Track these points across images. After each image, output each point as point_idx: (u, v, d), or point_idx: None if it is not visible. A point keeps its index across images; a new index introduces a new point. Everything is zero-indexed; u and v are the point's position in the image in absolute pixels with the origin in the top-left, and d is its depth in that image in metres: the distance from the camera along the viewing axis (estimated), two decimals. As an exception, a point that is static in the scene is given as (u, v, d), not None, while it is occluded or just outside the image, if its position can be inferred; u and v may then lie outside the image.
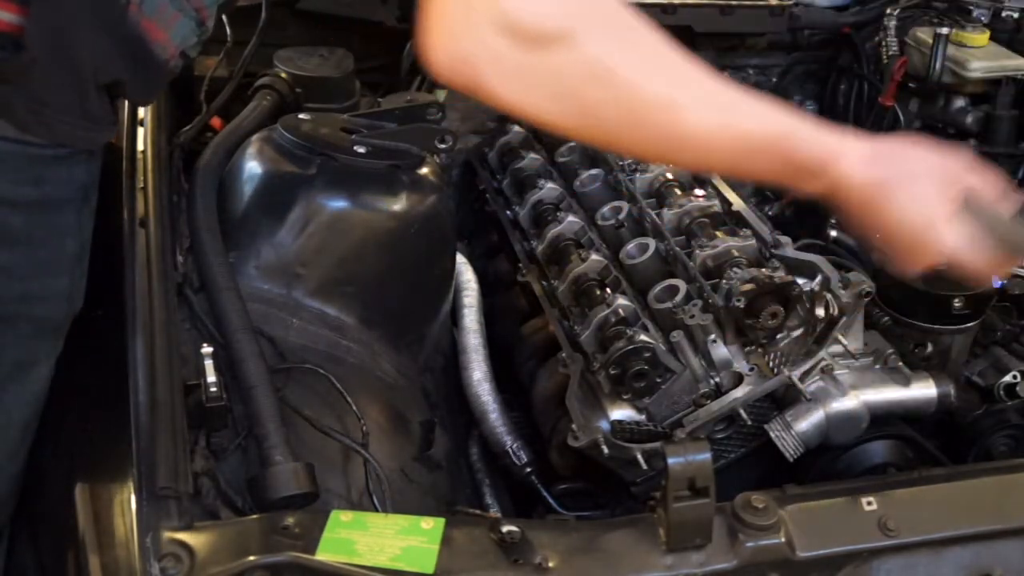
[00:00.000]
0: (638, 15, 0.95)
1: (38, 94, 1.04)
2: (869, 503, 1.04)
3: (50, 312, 1.15)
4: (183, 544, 0.90)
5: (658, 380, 1.29)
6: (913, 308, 1.51)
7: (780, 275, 1.31)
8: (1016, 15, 2.18)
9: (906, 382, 1.37)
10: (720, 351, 1.29)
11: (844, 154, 1.00)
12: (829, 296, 1.30)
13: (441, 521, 0.98)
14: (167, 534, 0.91)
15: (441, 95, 1.99)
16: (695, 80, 0.96)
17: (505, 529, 0.95)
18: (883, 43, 2.19)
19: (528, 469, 1.44)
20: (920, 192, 1.02)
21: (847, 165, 1.00)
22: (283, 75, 1.72)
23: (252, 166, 1.44)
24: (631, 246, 1.47)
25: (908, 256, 1.05)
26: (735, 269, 1.33)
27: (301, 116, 1.51)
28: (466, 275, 1.65)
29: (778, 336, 1.31)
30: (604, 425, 1.29)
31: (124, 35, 1.08)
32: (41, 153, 1.08)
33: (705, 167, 1.01)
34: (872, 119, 2.17)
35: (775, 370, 1.30)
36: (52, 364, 1.18)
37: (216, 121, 1.71)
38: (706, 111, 0.96)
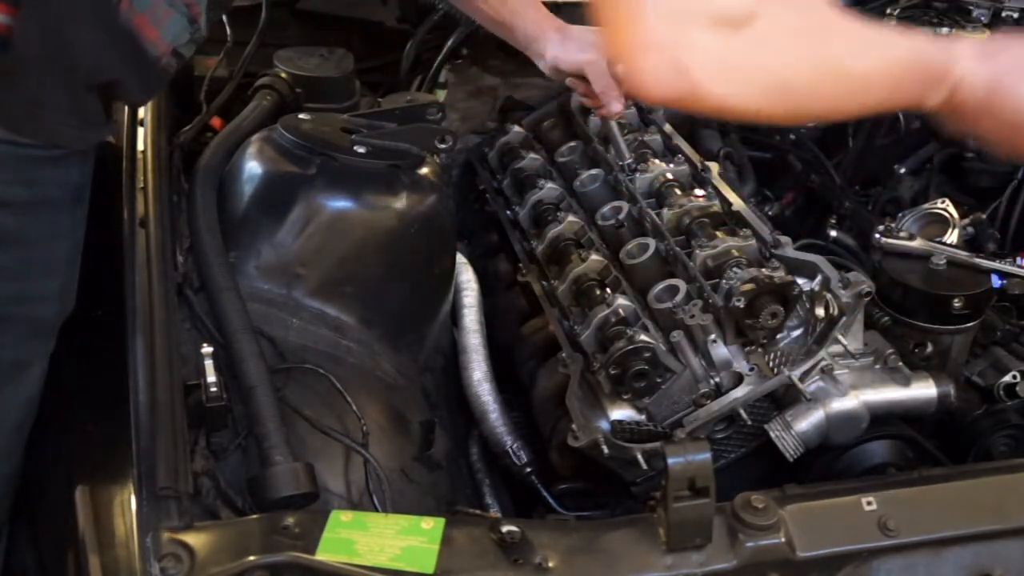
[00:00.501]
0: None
1: (31, 94, 1.04)
2: (869, 503, 1.04)
3: (45, 313, 1.15)
4: (183, 544, 0.90)
5: (658, 380, 1.29)
6: (913, 308, 1.51)
7: (780, 275, 1.31)
8: (1016, 15, 2.18)
9: (906, 382, 1.37)
10: (720, 351, 1.29)
11: (960, 54, 1.01)
12: (829, 296, 1.30)
13: (441, 521, 0.98)
14: (167, 534, 0.91)
15: (441, 95, 2.00)
16: (846, 23, 0.97)
17: (505, 529, 0.95)
18: (883, 43, 2.18)
19: (528, 469, 1.44)
20: None
21: (965, 64, 1.01)
22: (283, 75, 1.72)
23: (252, 166, 1.44)
24: (631, 246, 1.47)
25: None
26: (735, 269, 1.33)
27: (301, 116, 1.51)
28: (466, 275, 1.65)
29: (778, 336, 1.31)
30: (604, 425, 1.29)
31: (116, 33, 1.08)
32: (34, 154, 1.07)
33: (866, 107, 1.04)
34: (872, 119, 2.17)
35: (775, 370, 1.30)
36: (45, 364, 1.18)
37: (216, 121, 1.71)
38: (865, 52, 0.98)
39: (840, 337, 1.32)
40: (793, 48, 0.94)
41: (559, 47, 1.63)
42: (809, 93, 0.98)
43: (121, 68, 1.10)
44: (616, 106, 1.61)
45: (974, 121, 1.04)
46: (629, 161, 1.62)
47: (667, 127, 1.77)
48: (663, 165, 1.60)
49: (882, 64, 1.00)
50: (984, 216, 1.94)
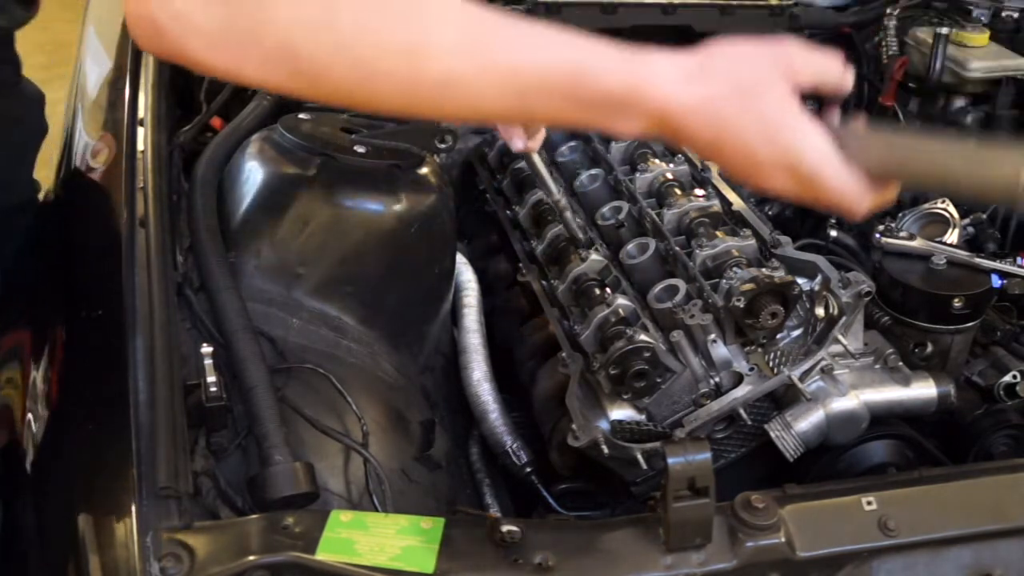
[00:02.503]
0: None
1: None
2: (869, 503, 1.04)
3: None
4: (183, 544, 0.90)
5: (658, 380, 1.29)
6: (913, 308, 1.51)
7: (780, 275, 1.31)
8: (1016, 15, 2.18)
9: (906, 382, 1.37)
10: (720, 351, 1.29)
11: (655, 75, 0.84)
12: (829, 296, 1.30)
13: (441, 521, 0.98)
14: (167, 534, 0.91)
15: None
16: (444, 18, 0.82)
17: (505, 529, 0.95)
18: (883, 43, 2.19)
19: (528, 469, 1.44)
20: (754, 103, 0.85)
21: (663, 88, 0.84)
22: (283, 75, 1.72)
23: (252, 166, 1.44)
24: (631, 246, 1.47)
25: (767, 176, 0.88)
26: (735, 269, 1.33)
27: (301, 116, 1.51)
28: (466, 275, 1.65)
29: (778, 336, 1.31)
30: (604, 425, 1.29)
31: None
32: None
33: (476, 117, 0.85)
34: (872, 119, 2.17)
35: (775, 370, 1.30)
36: None
37: (216, 121, 1.71)
38: (463, 52, 0.81)
39: (840, 337, 1.32)
40: (318, 31, 0.78)
41: None
42: (351, 87, 0.82)
43: None
44: (517, 143, 1.40)
45: (700, 149, 0.89)
46: (557, 198, 1.51)
47: (667, 127, 1.77)
48: (663, 165, 1.60)
49: (490, 75, 0.82)
50: (984, 216, 1.95)
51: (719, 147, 0.87)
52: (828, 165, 0.87)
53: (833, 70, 0.91)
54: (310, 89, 0.84)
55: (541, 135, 1.39)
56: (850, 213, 0.89)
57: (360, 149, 1.44)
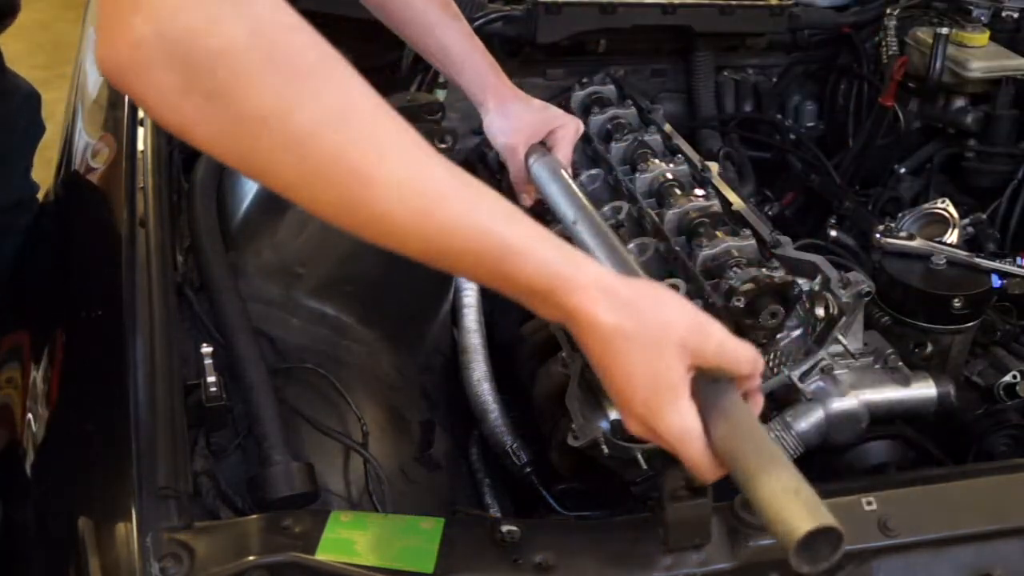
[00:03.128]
0: (344, 63, 0.81)
1: None
2: (869, 503, 1.04)
3: None
4: (183, 544, 0.90)
5: (658, 380, 1.28)
6: (913, 308, 1.51)
7: (780, 275, 1.31)
8: (1016, 15, 2.18)
9: (906, 382, 1.37)
10: (720, 351, 1.29)
11: (579, 287, 0.87)
12: (829, 296, 1.30)
13: (441, 521, 0.98)
14: (167, 534, 0.91)
15: (441, 95, 2.00)
16: (401, 157, 0.82)
17: (505, 529, 0.96)
18: (883, 43, 2.19)
19: (528, 469, 1.44)
20: (659, 356, 0.88)
21: (582, 300, 0.86)
22: (283, 75, 1.72)
23: (252, 166, 1.44)
24: (631, 246, 1.47)
25: (630, 417, 0.91)
26: (735, 269, 1.33)
27: (301, 116, 1.50)
28: (466, 275, 1.65)
29: (778, 336, 1.31)
30: (604, 425, 1.29)
31: None
32: None
33: (401, 252, 0.84)
34: (872, 119, 2.17)
35: (775, 370, 1.30)
36: None
37: (216, 121, 1.71)
38: (405, 196, 0.82)
39: (840, 337, 1.32)
40: (275, 131, 0.78)
41: (490, 121, 1.49)
42: (300, 190, 0.82)
43: None
44: (526, 200, 1.48)
45: (592, 361, 0.90)
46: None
47: (667, 127, 1.77)
48: (663, 165, 1.60)
49: (425, 226, 0.82)
50: (984, 216, 1.95)
51: (605, 370, 0.89)
52: (688, 443, 0.88)
53: (743, 366, 0.92)
54: (255, 174, 0.85)
55: None
56: (700, 476, 0.91)
57: (360, 149, 1.44)
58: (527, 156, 1.46)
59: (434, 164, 0.84)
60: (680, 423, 0.88)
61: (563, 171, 1.44)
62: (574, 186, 1.42)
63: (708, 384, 0.90)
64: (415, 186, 0.82)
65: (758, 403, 0.96)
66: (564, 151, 1.48)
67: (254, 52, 0.77)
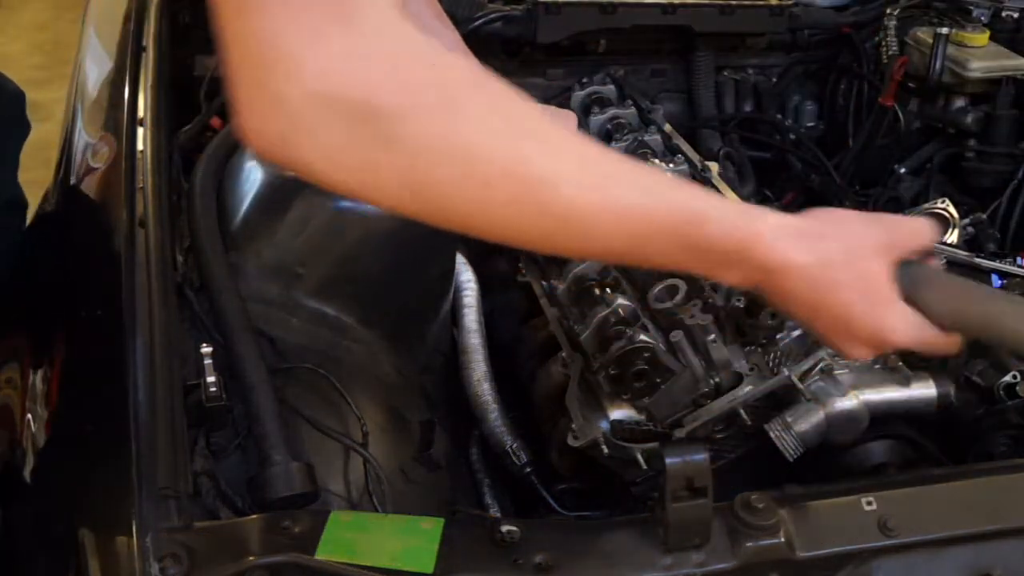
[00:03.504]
0: (495, 78, 0.80)
1: None
2: (869, 503, 1.04)
3: None
4: (183, 544, 0.90)
5: (658, 380, 1.29)
6: (913, 308, 1.50)
7: (780, 275, 1.31)
8: (1016, 15, 2.18)
9: (906, 382, 1.37)
10: (720, 351, 1.29)
11: (766, 234, 0.86)
12: (829, 296, 1.30)
13: (441, 521, 0.98)
14: (167, 534, 0.91)
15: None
16: (571, 150, 0.82)
17: (505, 529, 0.96)
18: (883, 43, 2.19)
19: (528, 469, 1.44)
20: (866, 270, 0.89)
21: (772, 247, 0.86)
22: (283, 75, 1.72)
23: (252, 166, 1.44)
24: (631, 246, 1.47)
25: (854, 343, 0.93)
26: (735, 269, 1.33)
27: (301, 116, 1.50)
28: (466, 275, 1.65)
29: (778, 336, 1.31)
30: (604, 425, 1.29)
31: None
32: None
33: (590, 254, 0.84)
34: (872, 119, 2.17)
35: (775, 370, 1.30)
36: None
37: (216, 121, 1.71)
38: (586, 186, 0.81)
39: (840, 337, 1.32)
40: (449, 156, 0.76)
41: None
42: (483, 216, 0.80)
43: None
44: None
45: (793, 308, 0.91)
46: None
47: (667, 127, 1.77)
48: (663, 165, 1.60)
49: (613, 211, 0.81)
50: (984, 216, 1.94)
51: (819, 310, 0.90)
52: (920, 335, 0.92)
53: (924, 236, 0.95)
54: (431, 214, 0.83)
55: None
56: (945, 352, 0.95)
57: (360, 149, 1.44)
58: None
59: (600, 151, 0.83)
60: (905, 320, 0.90)
61: None
62: None
63: (898, 269, 0.92)
64: (594, 177, 0.81)
65: (936, 264, 0.98)
66: None
67: (406, 91, 0.75)
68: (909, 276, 0.92)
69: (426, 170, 0.77)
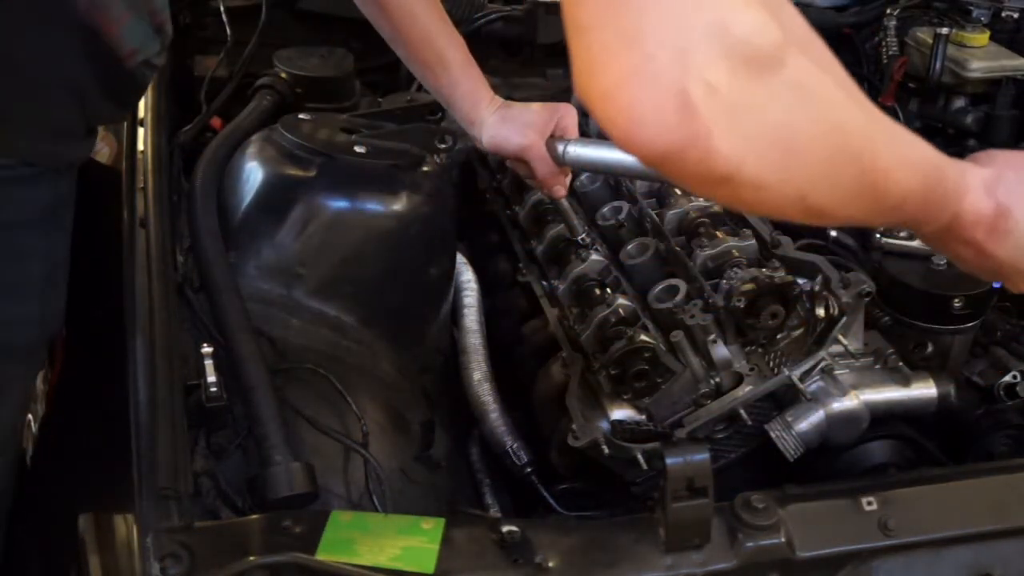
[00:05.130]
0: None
1: None
2: (869, 503, 1.04)
3: (15, 338, 1.08)
4: (183, 544, 0.90)
5: (658, 380, 1.29)
6: (913, 308, 1.51)
7: (780, 275, 1.31)
8: (1016, 15, 2.18)
9: (906, 382, 1.37)
10: (720, 351, 1.29)
11: (971, 182, 0.87)
12: (829, 296, 1.30)
13: (441, 521, 0.98)
14: (167, 534, 0.91)
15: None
16: (875, 110, 0.80)
17: (505, 529, 0.96)
18: (883, 43, 2.19)
19: (528, 469, 1.44)
20: None
21: (973, 194, 0.87)
22: (283, 75, 1.72)
23: (252, 166, 1.44)
24: (631, 246, 1.47)
25: None
26: (735, 269, 1.33)
27: (301, 116, 1.51)
28: (466, 275, 1.65)
29: (778, 336, 1.31)
30: (604, 425, 1.29)
31: (73, 25, 1.00)
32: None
33: (890, 214, 0.80)
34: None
35: (775, 370, 1.30)
36: (25, 388, 1.12)
37: (216, 121, 1.71)
38: (894, 143, 0.80)
39: (840, 337, 1.32)
40: (823, 119, 0.71)
41: (496, 130, 1.46)
42: (829, 184, 0.75)
43: (84, 67, 1.02)
44: (560, 190, 1.48)
45: (978, 254, 0.91)
46: (583, 236, 1.51)
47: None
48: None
49: (909, 169, 0.80)
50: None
51: (1002, 251, 0.90)
52: None
53: None
54: (811, 215, 0.77)
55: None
56: None
57: (360, 149, 1.44)
58: (550, 149, 1.44)
59: (892, 122, 0.81)
60: None
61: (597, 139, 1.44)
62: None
63: None
64: (910, 154, 0.81)
65: None
66: (576, 135, 1.48)
67: (799, 59, 0.69)
68: None
69: (797, 126, 0.70)
